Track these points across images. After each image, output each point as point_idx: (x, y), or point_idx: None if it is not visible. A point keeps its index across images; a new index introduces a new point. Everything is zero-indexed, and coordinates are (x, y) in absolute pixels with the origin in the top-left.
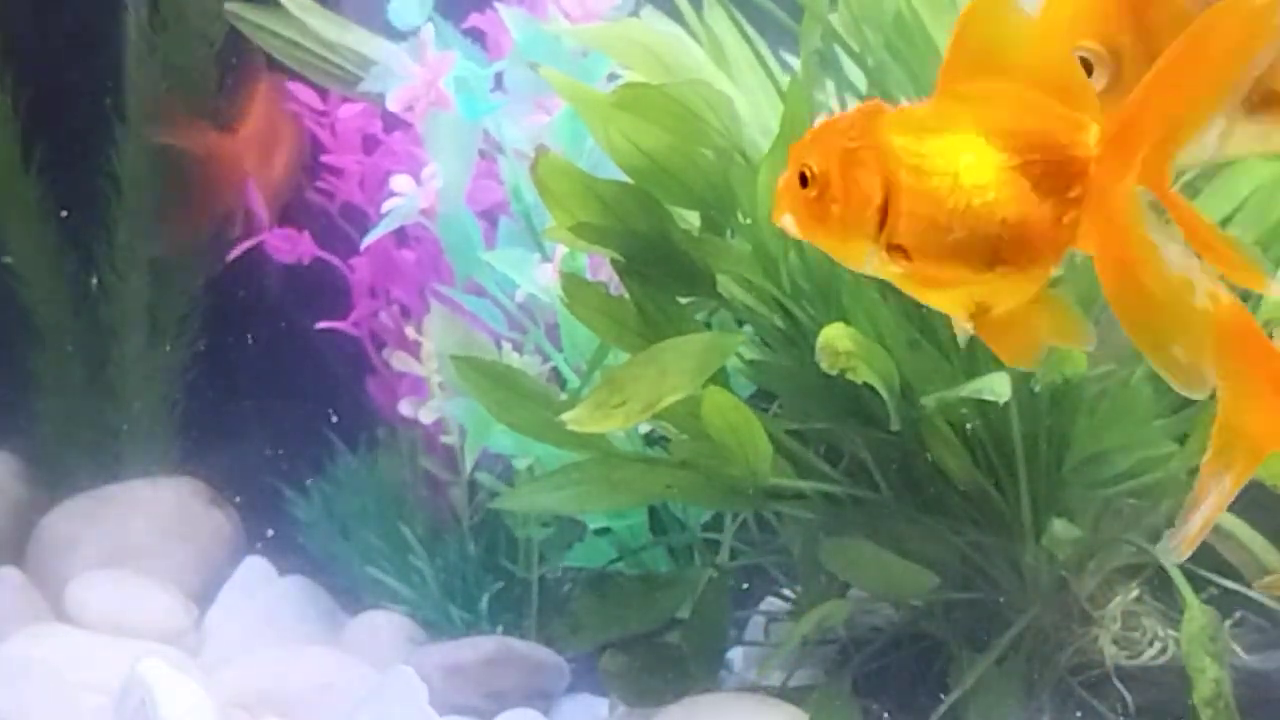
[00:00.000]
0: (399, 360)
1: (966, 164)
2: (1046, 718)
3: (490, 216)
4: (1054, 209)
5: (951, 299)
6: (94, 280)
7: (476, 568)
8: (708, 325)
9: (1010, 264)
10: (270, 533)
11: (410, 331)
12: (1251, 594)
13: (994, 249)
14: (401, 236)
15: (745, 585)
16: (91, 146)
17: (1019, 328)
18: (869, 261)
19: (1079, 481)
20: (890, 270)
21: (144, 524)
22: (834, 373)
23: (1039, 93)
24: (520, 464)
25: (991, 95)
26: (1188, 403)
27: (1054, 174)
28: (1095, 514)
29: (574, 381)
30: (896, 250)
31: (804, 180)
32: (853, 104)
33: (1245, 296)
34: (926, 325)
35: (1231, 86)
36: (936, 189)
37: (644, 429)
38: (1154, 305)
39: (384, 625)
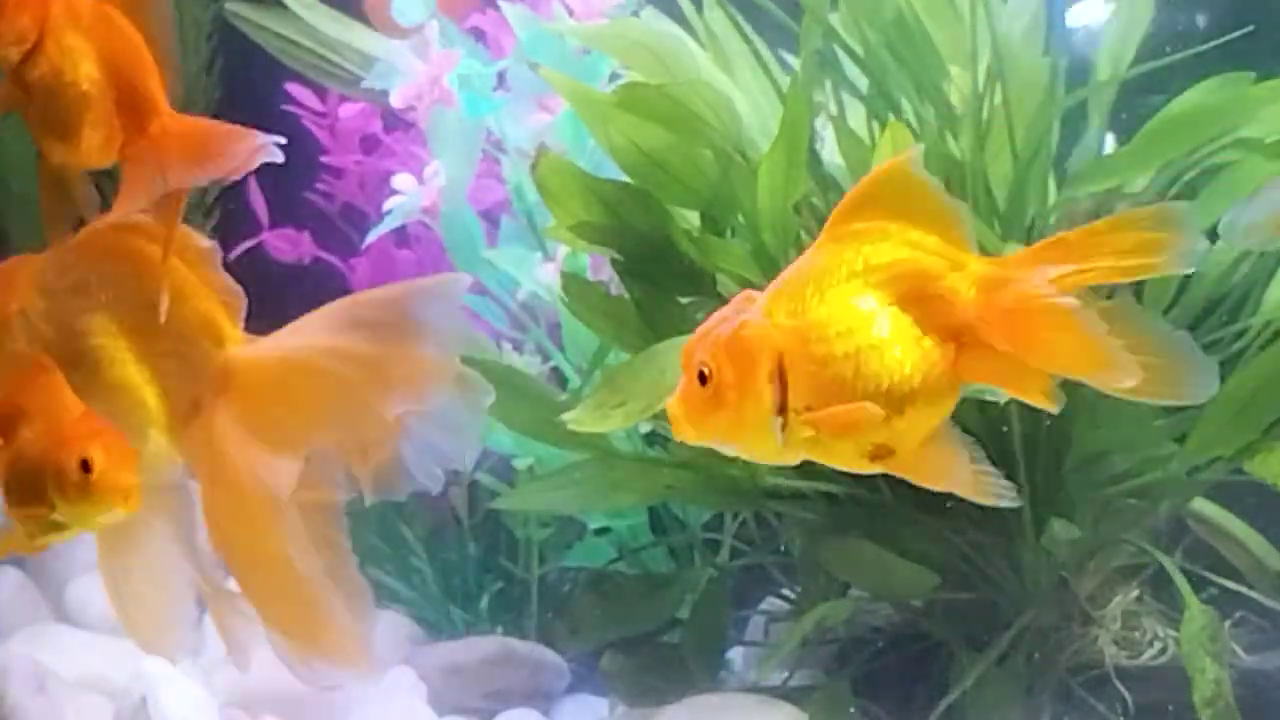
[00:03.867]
0: None
1: (854, 320)
2: (1046, 718)
3: (492, 216)
4: (938, 345)
5: (850, 449)
6: None
7: (476, 568)
8: None
9: (915, 406)
10: None
11: None
12: (1251, 594)
13: (899, 396)
14: (401, 236)
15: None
16: None
17: (935, 458)
18: (776, 434)
19: (1079, 481)
20: (801, 436)
21: None
22: None
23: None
24: (520, 464)
25: (872, 233)
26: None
27: (932, 311)
28: (1095, 514)
29: (574, 381)
30: (804, 411)
31: (702, 379)
32: (852, 105)
33: (1246, 296)
34: None
35: None
36: (829, 351)
37: (644, 429)
38: None
39: (384, 625)
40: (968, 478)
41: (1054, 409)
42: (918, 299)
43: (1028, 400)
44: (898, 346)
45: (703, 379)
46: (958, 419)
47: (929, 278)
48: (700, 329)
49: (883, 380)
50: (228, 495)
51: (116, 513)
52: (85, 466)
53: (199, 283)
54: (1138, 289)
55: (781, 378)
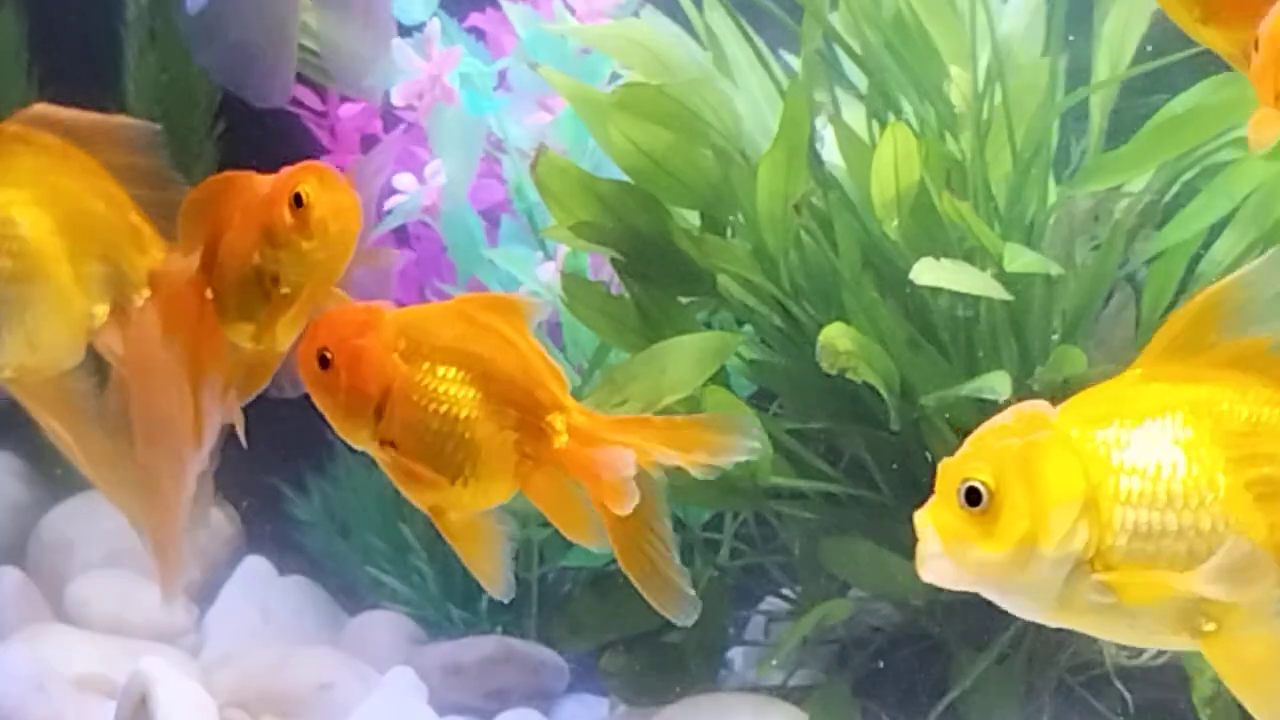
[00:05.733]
0: None
1: (456, 407)
2: (1046, 718)
3: (492, 215)
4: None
5: (419, 496)
6: None
7: None
8: (708, 325)
9: (477, 487)
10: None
11: None
12: None
13: (467, 476)
14: (402, 235)
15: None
16: None
17: (479, 534)
18: (367, 443)
19: None
20: (383, 458)
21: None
22: (834, 373)
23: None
24: None
25: (498, 343)
26: None
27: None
28: None
29: (575, 381)
30: (388, 444)
31: (323, 362)
32: (852, 105)
33: None
34: (926, 325)
35: None
36: (426, 403)
37: None
38: None
39: (384, 625)
40: (492, 567)
41: (595, 546)
42: (518, 419)
43: (568, 534)
44: (484, 448)
45: (323, 362)
46: (959, 418)
47: (536, 407)
48: (332, 313)
49: (462, 465)
50: (142, 400)
51: (350, 235)
52: (299, 200)
53: (124, 191)
54: (1137, 290)
55: (383, 404)
